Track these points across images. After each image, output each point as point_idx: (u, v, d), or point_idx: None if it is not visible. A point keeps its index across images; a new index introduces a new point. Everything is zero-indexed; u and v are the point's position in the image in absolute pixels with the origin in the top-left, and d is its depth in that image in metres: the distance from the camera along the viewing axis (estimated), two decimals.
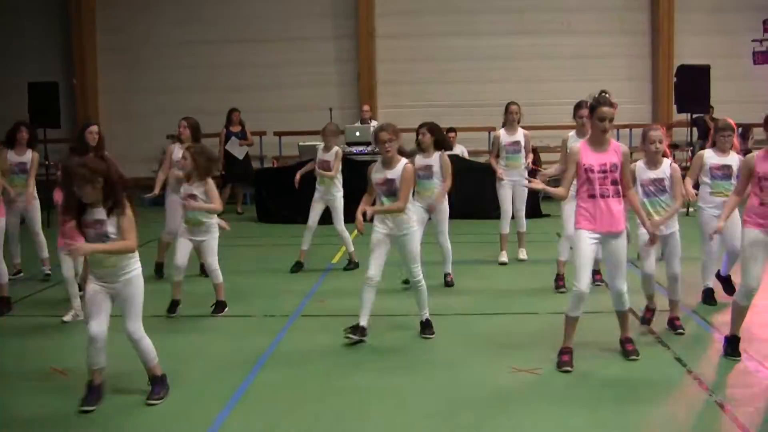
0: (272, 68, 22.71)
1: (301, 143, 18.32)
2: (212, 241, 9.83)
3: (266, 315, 9.87)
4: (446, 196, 11.01)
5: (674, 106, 20.32)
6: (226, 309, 9.92)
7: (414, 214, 8.68)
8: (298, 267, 12.24)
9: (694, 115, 19.72)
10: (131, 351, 6.92)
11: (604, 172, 7.37)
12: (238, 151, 19.65)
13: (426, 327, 8.80)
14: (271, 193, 18.09)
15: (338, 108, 20.63)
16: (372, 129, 18.23)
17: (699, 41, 21.78)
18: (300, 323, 9.51)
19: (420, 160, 10.69)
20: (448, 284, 11.22)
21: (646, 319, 8.93)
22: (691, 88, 19.01)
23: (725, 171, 9.50)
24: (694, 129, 19.25)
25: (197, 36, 22.75)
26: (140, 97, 22.53)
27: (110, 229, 6.45)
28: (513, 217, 12.76)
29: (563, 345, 7.60)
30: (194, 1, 23.02)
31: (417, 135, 10.92)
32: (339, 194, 12.14)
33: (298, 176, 12.41)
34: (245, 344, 8.64)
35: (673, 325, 8.69)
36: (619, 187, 7.42)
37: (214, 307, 9.90)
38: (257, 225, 17.88)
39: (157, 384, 6.93)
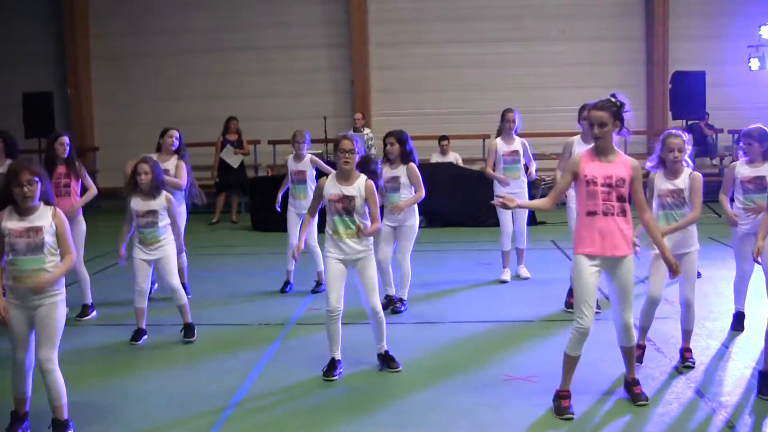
0: (266, 76, 22.67)
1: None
2: (171, 259, 9.05)
3: (261, 323, 9.81)
4: (416, 212, 10.16)
5: (669, 113, 20.32)
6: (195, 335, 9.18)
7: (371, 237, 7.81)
8: (285, 286, 11.61)
9: (690, 122, 19.72)
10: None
11: (609, 186, 6.41)
12: (232, 159, 19.59)
13: (389, 360, 7.91)
14: (265, 202, 18.00)
15: (332, 116, 20.56)
16: (365, 137, 18.29)
17: (694, 47, 21.75)
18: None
19: (387, 171, 9.93)
20: (396, 311, 10.05)
21: (636, 356, 7.54)
22: (687, 94, 19.04)
23: (758, 183, 8.52)
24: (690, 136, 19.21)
25: (191, 45, 22.72)
26: (134, 106, 22.46)
27: (47, 237, 6.04)
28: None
29: (561, 388, 6.70)
30: (188, 10, 22.96)
31: (384, 144, 10.14)
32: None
33: (279, 198, 11.93)
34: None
35: (683, 357, 7.74)
36: (626, 205, 6.49)
37: (182, 332, 9.19)
38: (252, 233, 17.82)
39: (58, 429, 6.20)
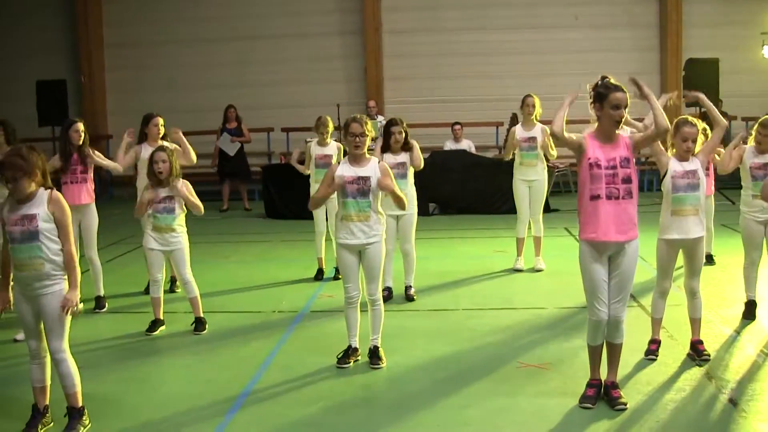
0: (279, 64, 22.69)
1: (308, 139, 18.24)
2: (184, 251, 8.99)
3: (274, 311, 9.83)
4: (414, 200, 10.02)
5: (682, 100, 20.24)
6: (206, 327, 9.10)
7: (383, 223, 7.72)
8: (320, 275, 11.54)
9: (703, 109, 19.62)
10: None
11: (614, 167, 6.22)
12: (229, 147, 19.61)
13: (375, 355, 7.69)
14: (278, 190, 18.05)
15: (346, 104, 20.53)
16: (379, 125, 18.26)
17: (707, 34, 21.67)
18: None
19: (391, 158, 9.66)
20: (409, 298, 10.10)
21: (651, 350, 7.66)
22: (700, 81, 18.94)
23: None
24: None
25: (204, 33, 22.77)
26: (147, 94, 22.41)
27: (42, 225, 5.96)
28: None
29: (591, 377, 6.63)
30: None
31: (390, 134, 9.83)
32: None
33: (299, 166, 11.84)
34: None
35: (697, 350, 7.50)
36: (632, 186, 6.27)
37: (194, 325, 9.12)
38: (265, 221, 17.84)
39: (74, 417, 6.20)
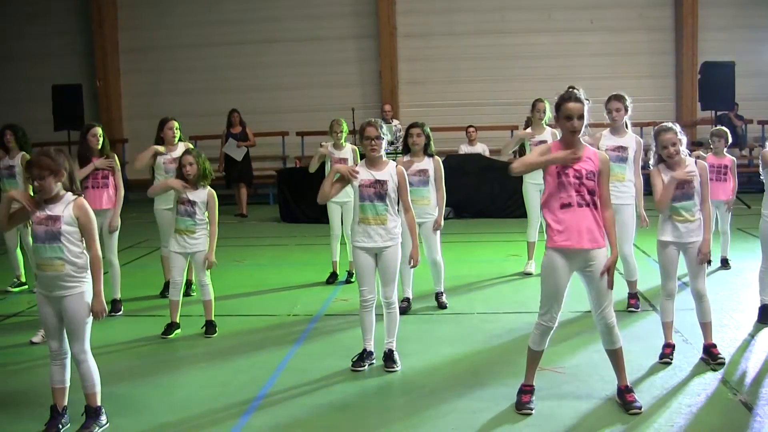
0: (294, 68, 22.77)
1: (323, 143, 18.25)
2: (204, 255, 9.01)
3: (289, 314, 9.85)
4: (435, 207, 9.66)
5: (698, 104, 20.21)
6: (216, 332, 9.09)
7: (400, 226, 7.68)
8: (333, 278, 11.56)
9: (719, 113, 19.60)
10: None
11: (579, 178, 6.16)
12: (236, 152, 19.59)
13: (390, 359, 7.68)
14: (293, 193, 18.08)
15: (361, 107, 20.57)
16: (393, 128, 18.29)
17: (724, 37, 21.61)
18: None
19: (412, 164, 9.48)
20: (443, 305, 9.89)
21: (665, 354, 7.55)
22: (716, 85, 18.92)
23: None
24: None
25: (218, 37, 22.86)
26: (162, 98, 22.51)
27: (65, 227, 6.07)
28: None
29: (525, 382, 6.61)
30: (217, 2, 23.12)
31: (408, 135, 9.61)
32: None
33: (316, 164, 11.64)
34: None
35: (711, 353, 7.44)
36: (596, 198, 6.23)
37: (204, 328, 9.11)
38: (280, 225, 17.87)
39: (91, 416, 6.32)
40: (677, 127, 7.29)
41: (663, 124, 7.38)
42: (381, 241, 7.50)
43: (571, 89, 6.38)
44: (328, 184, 7.64)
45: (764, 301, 8.76)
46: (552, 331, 6.46)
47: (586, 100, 6.30)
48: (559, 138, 6.63)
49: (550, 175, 6.27)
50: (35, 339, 8.70)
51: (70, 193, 6.20)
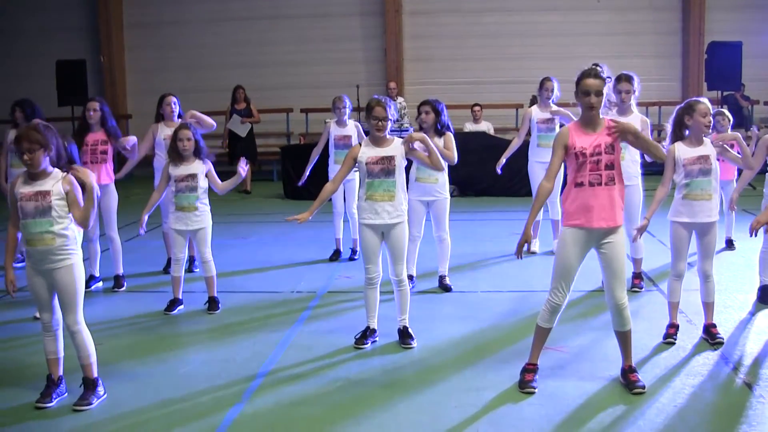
0: (299, 44, 22.67)
1: (327, 120, 18.26)
2: (207, 231, 8.97)
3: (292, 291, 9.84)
4: (446, 185, 9.54)
5: (704, 84, 20.14)
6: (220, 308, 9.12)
7: (406, 204, 7.65)
8: (336, 255, 11.57)
9: (725, 93, 19.53)
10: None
11: (598, 154, 6.16)
12: (240, 128, 19.48)
13: (406, 335, 7.73)
14: (297, 170, 18.00)
15: (365, 85, 20.52)
16: (399, 106, 18.24)
17: (731, 17, 21.49)
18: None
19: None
20: (447, 288, 9.75)
21: (669, 334, 7.58)
22: (722, 65, 18.84)
23: None
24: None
25: (223, 13, 22.77)
26: (167, 74, 22.45)
27: (55, 201, 6.12)
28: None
29: (529, 361, 6.62)
30: None
31: (419, 113, 9.53)
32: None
33: (308, 172, 11.78)
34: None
35: (710, 333, 7.49)
36: (615, 172, 6.22)
37: (207, 304, 9.14)
38: (284, 201, 17.84)
39: (89, 388, 6.40)
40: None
41: (696, 98, 7.45)
42: (388, 218, 7.46)
43: (594, 66, 6.38)
44: (345, 170, 7.68)
45: (765, 282, 8.77)
46: (561, 309, 6.46)
47: (608, 78, 6.33)
48: (575, 118, 6.56)
49: (569, 157, 6.28)
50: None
51: (58, 170, 6.23)
